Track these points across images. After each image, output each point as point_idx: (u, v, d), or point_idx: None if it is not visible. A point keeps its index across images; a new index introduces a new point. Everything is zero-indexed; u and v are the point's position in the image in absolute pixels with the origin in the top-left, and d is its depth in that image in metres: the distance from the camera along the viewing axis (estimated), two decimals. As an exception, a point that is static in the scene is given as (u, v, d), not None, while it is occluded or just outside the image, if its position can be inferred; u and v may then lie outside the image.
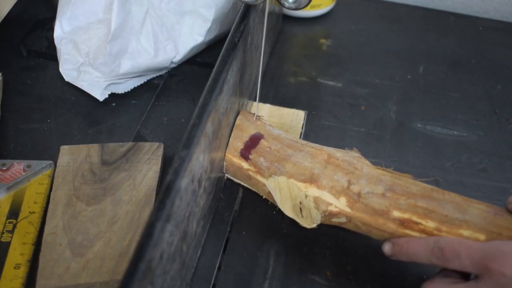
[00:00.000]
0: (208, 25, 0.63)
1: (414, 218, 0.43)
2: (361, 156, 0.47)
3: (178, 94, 0.63)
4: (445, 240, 0.40)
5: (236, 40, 0.49)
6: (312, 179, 0.46)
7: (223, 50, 0.48)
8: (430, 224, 0.42)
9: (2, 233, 0.46)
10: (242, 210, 0.51)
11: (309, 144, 0.49)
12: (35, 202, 0.49)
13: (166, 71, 0.66)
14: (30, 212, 0.48)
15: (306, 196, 0.45)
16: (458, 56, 0.73)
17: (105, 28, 0.60)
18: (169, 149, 0.56)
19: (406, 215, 0.43)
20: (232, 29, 0.50)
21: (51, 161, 0.52)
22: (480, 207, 0.43)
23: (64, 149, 0.53)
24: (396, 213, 0.43)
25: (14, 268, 0.44)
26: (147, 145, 0.54)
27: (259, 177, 0.48)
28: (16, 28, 0.70)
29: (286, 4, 0.50)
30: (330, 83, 0.67)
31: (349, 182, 0.45)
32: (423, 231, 0.42)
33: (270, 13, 0.53)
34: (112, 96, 0.61)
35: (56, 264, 0.44)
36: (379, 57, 0.72)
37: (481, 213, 0.42)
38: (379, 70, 0.70)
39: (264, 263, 0.47)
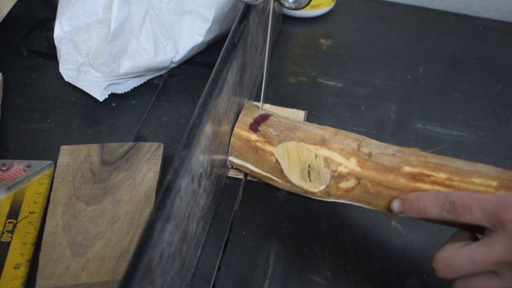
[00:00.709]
0: (208, 25, 0.63)
1: (426, 171, 0.43)
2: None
3: (178, 94, 0.63)
4: (456, 194, 0.40)
5: (236, 40, 0.49)
6: (323, 142, 0.47)
7: (223, 50, 0.48)
8: (441, 175, 0.42)
9: (2, 233, 0.46)
10: (242, 210, 0.51)
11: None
12: (35, 202, 0.49)
13: (166, 71, 0.66)
14: (30, 212, 0.48)
15: (316, 156, 0.46)
16: (458, 56, 0.73)
17: (105, 28, 0.60)
18: (169, 149, 0.56)
19: (417, 170, 0.43)
20: (232, 29, 0.50)
21: (51, 161, 0.52)
22: (489, 166, 0.43)
23: (64, 149, 0.53)
24: (407, 168, 0.44)
25: (14, 268, 0.44)
26: (147, 145, 0.54)
27: (267, 147, 0.49)
28: (16, 28, 0.70)
29: (286, 4, 0.50)
30: (330, 83, 0.67)
31: (359, 145, 0.46)
32: (434, 182, 0.42)
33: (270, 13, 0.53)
34: (112, 96, 0.61)
35: (56, 264, 0.44)
36: (379, 57, 0.72)
37: (490, 167, 0.43)
38: (379, 70, 0.70)
39: (264, 263, 0.47)
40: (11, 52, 0.67)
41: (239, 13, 0.52)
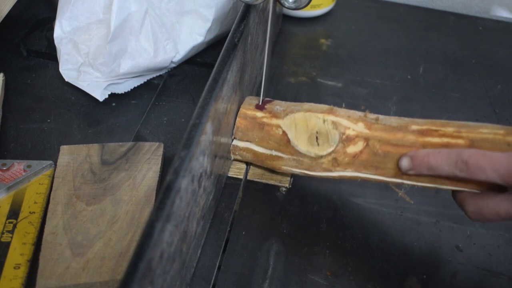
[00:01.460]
0: (208, 25, 0.63)
1: (433, 127, 0.44)
2: None
3: (178, 94, 0.63)
4: (468, 152, 0.40)
5: (236, 40, 0.49)
6: (330, 111, 0.48)
7: (223, 50, 0.48)
8: (449, 129, 0.43)
9: (2, 233, 0.46)
10: (242, 210, 0.51)
11: None
12: (35, 202, 0.49)
13: (166, 71, 0.66)
14: (30, 212, 0.48)
15: (324, 121, 0.47)
16: (458, 56, 0.73)
17: (105, 28, 0.60)
18: (169, 149, 0.56)
19: (424, 127, 0.44)
20: (232, 29, 0.50)
21: (51, 161, 0.52)
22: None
23: (64, 149, 0.53)
24: (415, 127, 0.45)
25: (14, 268, 0.44)
26: (147, 145, 0.54)
27: (273, 120, 0.49)
28: (16, 28, 0.70)
29: (286, 4, 0.50)
30: (330, 83, 0.67)
31: (366, 114, 0.47)
32: (443, 135, 0.43)
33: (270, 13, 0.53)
34: (112, 96, 0.61)
35: (56, 264, 0.44)
36: (379, 57, 0.72)
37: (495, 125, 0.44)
38: (379, 70, 0.70)
39: (264, 263, 0.47)
40: (11, 52, 0.67)
41: (239, 13, 0.52)
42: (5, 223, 0.47)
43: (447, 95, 0.67)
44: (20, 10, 0.72)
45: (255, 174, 0.54)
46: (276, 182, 0.53)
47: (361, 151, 0.46)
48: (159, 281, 0.35)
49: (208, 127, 0.42)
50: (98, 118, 0.60)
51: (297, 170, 0.50)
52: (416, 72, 0.70)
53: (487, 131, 0.42)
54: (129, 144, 0.54)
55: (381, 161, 0.45)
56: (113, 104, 0.61)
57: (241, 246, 0.48)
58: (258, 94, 0.55)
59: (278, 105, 0.51)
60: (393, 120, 0.46)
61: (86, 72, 0.60)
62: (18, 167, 0.51)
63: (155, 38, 0.61)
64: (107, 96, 0.60)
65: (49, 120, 0.59)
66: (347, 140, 0.46)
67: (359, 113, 0.47)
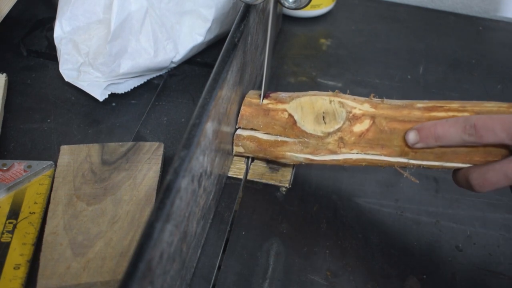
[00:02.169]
0: (208, 25, 0.63)
1: (438, 104, 0.45)
2: None
3: (178, 94, 0.63)
4: (475, 117, 0.40)
5: (236, 40, 0.49)
6: (336, 94, 0.48)
7: (223, 50, 0.48)
8: (454, 105, 0.44)
9: (2, 233, 0.46)
10: (242, 210, 0.51)
11: None
12: (35, 203, 0.49)
13: (166, 71, 0.66)
14: (30, 213, 0.48)
15: (331, 102, 0.48)
16: (458, 56, 0.73)
17: (105, 28, 0.60)
18: (169, 149, 0.56)
19: (430, 104, 0.45)
20: (232, 29, 0.50)
21: (51, 162, 0.52)
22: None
23: (64, 149, 0.53)
24: (420, 104, 0.46)
25: (14, 268, 0.44)
26: (147, 144, 0.54)
27: (279, 105, 0.50)
28: (16, 28, 0.70)
29: (286, 4, 0.50)
30: (330, 83, 0.67)
31: (371, 97, 0.48)
32: (448, 110, 0.44)
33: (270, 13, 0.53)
34: (112, 96, 0.61)
35: (57, 264, 0.44)
36: (379, 57, 0.72)
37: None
38: (379, 70, 0.70)
39: (264, 263, 0.47)
40: (11, 52, 0.67)
41: (239, 13, 0.52)
42: (5, 223, 0.47)
43: (447, 95, 0.67)
44: (20, 10, 0.72)
45: (255, 174, 0.54)
46: (276, 182, 0.53)
47: (367, 129, 0.46)
48: (159, 281, 0.35)
49: (208, 127, 0.42)
50: (98, 118, 0.60)
51: (301, 156, 0.50)
52: (416, 72, 0.70)
53: (491, 105, 0.43)
54: (129, 144, 0.54)
55: (387, 139, 0.46)
56: (113, 104, 0.61)
57: (241, 246, 0.48)
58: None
59: (283, 94, 0.51)
60: (398, 101, 0.47)
61: (86, 72, 0.60)
62: (18, 167, 0.51)
63: (155, 38, 0.61)
64: (107, 96, 0.60)
65: (49, 120, 0.59)
66: (353, 118, 0.47)
67: (364, 97, 0.49)
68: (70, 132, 0.58)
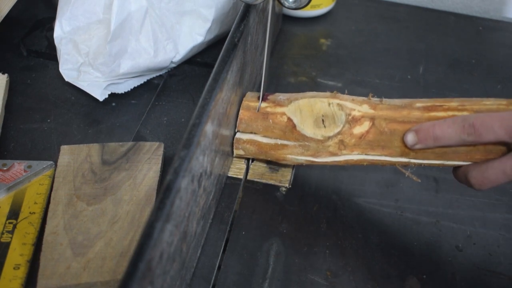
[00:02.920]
0: (208, 25, 0.63)
1: (437, 104, 0.45)
2: None
3: (178, 94, 0.63)
4: (473, 116, 0.40)
5: (236, 40, 0.49)
6: (334, 96, 0.48)
7: (223, 50, 0.48)
8: (453, 104, 0.44)
9: (2, 233, 0.46)
10: (242, 210, 0.51)
11: None
12: (35, 203, 0.49)
13: (166, 71, 0.66)
14: (30, 213, 0.48)
15: (329, 104, 0.47)
16: (458, 56, 0.73)
17: (105, 28, 0.60)
18: (169, 149, 0.56)
19: (429, 103, 0.45)
20: (232, 29, 0.50)
21: (52, 162, 0.52)
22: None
23: (64, 149, 0.53)
24: (419, 104, 0.45)
25: (14, 268, 0.44)
26: (147, 144, 0.54)
27: (278, 109, 0.50)
28: (16, 28, 0.70)
29: (286, 4, 0.50)
30: (330, 83, 0.67)
31: (370, 97, 0.48)
32: (448, 109, 0.44)
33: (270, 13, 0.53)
34: (112, 96, 0.61)
35: (57, 264, 0.44)
36: (379, 57, 0.72)
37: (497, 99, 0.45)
38: (379, 70, 0.70)
39: (264, 263, 0.47)
40: (11, 52, 0.67)
41: (239, 13, 0.52)
42: (5, 223, 0.47)
43: (447, 95, 0.67)
44: (20, 10, 0.72)
45: (255, 174, 0.54)
46: (276, 182, 0.53)
47: (367, 131, 0.46)
48: (159, 281, 0.35)
49: (208, 127, 0.42)
50: (98, 118, 0.60)
51: (302, 158, 0.50)
52: (416, 72, 0.70)
53: (490, 102, 0.43)
54: (130, 144, 0.54)
55: (387, 140, 0.46)
56: (113, 104, 0.61)
57: (241, 246, 0.48)
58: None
59: (281, 96, 0.51)
60: (397, 101, 0.47)
61: (86, 72, 0.60)
62: (18, 167, 0.51)
63: (155, 38, 0.61)
64: (107, 96, 0.60)
65: (49, 120, 0.59)
66: (353, 121, 0.47)
67: (363, 97, 0.48)
68: (70, 132, 0.58)
